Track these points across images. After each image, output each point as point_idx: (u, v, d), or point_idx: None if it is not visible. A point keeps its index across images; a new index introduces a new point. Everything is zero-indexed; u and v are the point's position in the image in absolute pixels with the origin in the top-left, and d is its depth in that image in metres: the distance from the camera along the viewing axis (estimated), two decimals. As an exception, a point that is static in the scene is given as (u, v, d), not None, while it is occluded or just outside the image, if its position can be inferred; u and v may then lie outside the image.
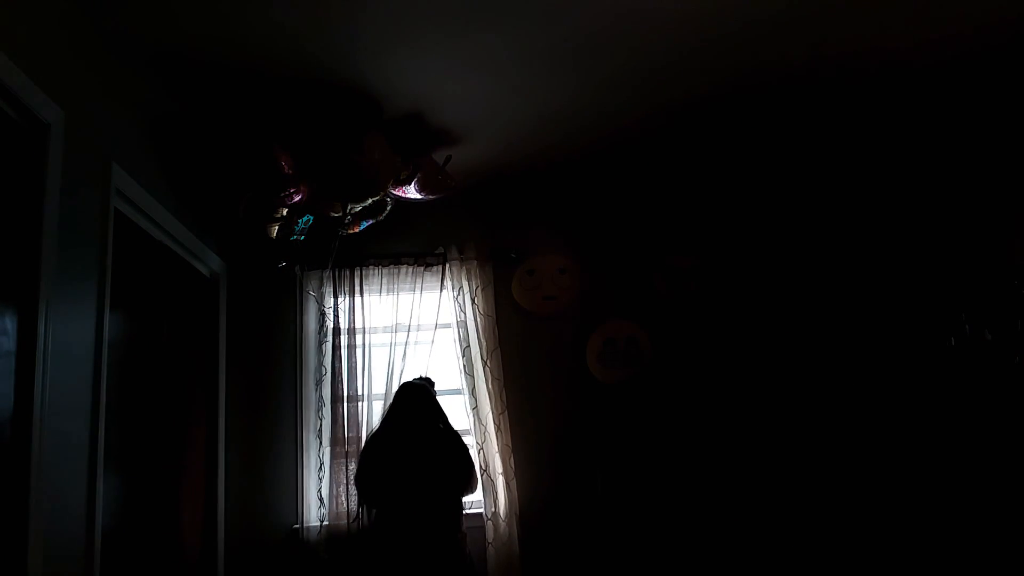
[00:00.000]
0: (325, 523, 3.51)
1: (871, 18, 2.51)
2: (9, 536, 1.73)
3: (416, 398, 3.13)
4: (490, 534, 3.54)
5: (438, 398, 3.22)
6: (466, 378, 3.72)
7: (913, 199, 3.76)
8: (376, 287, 3.81)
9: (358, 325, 3.74)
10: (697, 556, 3.55)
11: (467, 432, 3.85)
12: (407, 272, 3.82)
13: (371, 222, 3.39)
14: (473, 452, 3.81)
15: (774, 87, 2.99)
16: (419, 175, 3.09)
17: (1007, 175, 3.30)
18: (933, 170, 3.69)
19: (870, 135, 3.53)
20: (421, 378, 3.31)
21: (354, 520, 3.38)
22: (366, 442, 3.27)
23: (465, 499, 3.10)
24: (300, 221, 3.19)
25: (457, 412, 3.88)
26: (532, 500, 3.65)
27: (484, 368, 3.70)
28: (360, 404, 3.66)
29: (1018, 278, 3.12)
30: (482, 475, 3.58)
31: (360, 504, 3.12)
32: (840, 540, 3.52)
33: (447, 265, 3.83)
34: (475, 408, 3.68)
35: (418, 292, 3.80)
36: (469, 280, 3.82)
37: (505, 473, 3.61)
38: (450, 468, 2.96)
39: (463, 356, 3.74)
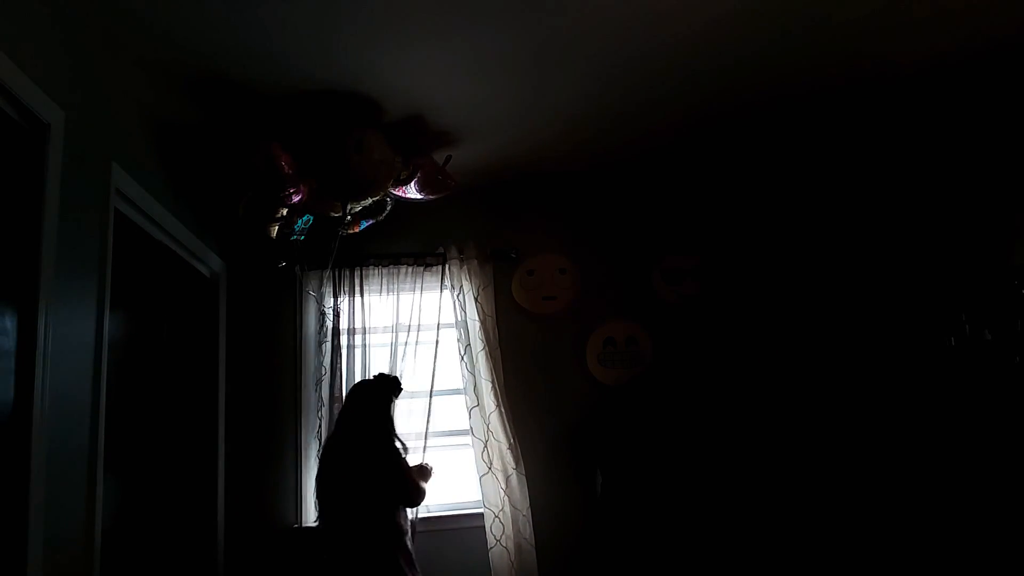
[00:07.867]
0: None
1: (870, 22, 2.51)
2: (9, 536, 1.73)
3: (361, 403, 2.98)
4: (498, 532, 3.54)
5: (418, 398, 3.20)
6: (468, 377, 3.72)
7: (913, 199, 3.75)
8: (376, 287, 3.80)
9: (358, 325, 3.73)
10: (698, 557, 3.55)
11: (467, 432, 3.83)
12: (407, 272, 3.82)
13: (371, 222, 3.39)
14: (478, 452, 3.79)
15: (775, 89, 3.00)
16: (419, 175, 3.08)
17: (1007, 175, 3.30)
18: (933, 170, 3.69)
19: (870, 136, 3.53)
20: (380, 375, 3.12)
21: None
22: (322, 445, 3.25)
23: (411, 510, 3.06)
24: (300, 221, 3.19)
25: (458, 411, 3.88)
26: (534, 499, 3.64)
27: (486, 368, 3.69)
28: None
29: (1018, 278, 3.11)
30: (486, 474, 3.58)
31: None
32: (841, 540, 3.52)
33: (447, 265, 3.83)
34: (477, 407, 3.68)
35: (418, 292, 3.80)
36: (469, 280, 3.81)
37: (512, 471, 3.62)
38: (377, 486, 2.86)
39: (464, 355, 3.74)
